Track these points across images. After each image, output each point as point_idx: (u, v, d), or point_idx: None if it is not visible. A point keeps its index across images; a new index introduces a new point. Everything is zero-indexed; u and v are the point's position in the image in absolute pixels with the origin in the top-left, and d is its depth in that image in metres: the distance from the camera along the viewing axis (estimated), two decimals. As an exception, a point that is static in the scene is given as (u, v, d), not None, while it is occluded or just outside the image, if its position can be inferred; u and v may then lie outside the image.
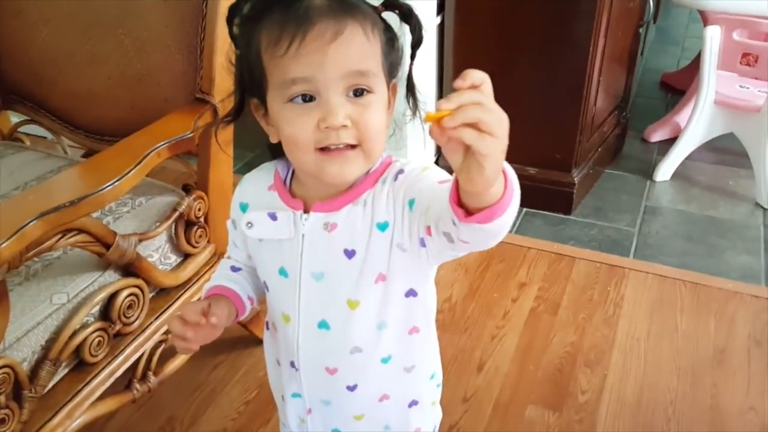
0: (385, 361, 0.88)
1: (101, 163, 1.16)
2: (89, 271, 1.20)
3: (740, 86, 2.36)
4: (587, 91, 2.11)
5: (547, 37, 2.07)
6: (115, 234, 1.16)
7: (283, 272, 0.85)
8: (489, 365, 1.70)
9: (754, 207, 2.34)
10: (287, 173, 0.85)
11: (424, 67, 2.16)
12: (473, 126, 0.57)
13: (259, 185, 0.87)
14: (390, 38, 0.77)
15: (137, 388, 1.32)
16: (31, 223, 0.95)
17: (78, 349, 1.16)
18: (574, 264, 2.05)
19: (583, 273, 2.02)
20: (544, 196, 2.27)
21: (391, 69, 0.78)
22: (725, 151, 2.59)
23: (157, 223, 1.30)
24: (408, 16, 0.78)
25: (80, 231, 1.08)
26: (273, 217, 0.83)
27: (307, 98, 0.73)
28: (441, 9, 2.17)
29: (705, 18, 2.36)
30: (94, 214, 1.13)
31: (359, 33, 0.72)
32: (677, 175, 2.50)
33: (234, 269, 0.95)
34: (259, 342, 1.69)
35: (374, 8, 0.77)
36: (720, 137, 2.47)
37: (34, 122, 1.62)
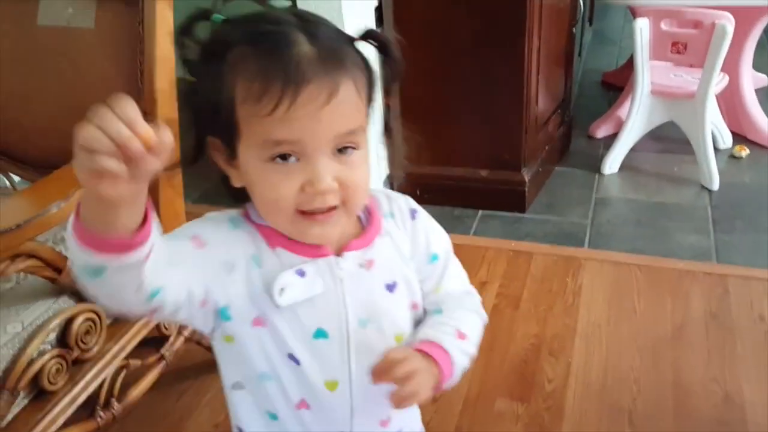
0: None
1: (45, 187, 1.17)
2: (43, 299, 1.18)
3: (674, 75, 2.45)
4: (527, 91, 2.18)
5: (483, 42, 2.13)
6: (65, 258, 1.16)
7: (321, 334, 0.74)
8: (456, 363, 1.72)
9: (700, 189, 2.42)
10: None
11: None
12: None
13: (247, 244, 0.73)
14: (369, 78, 0.71)
15: (101, 416, 1.30)
16: (-24, 249, 0.95)
17: (36, 378, 1.14)
18: (532, 259, 2.09)
19: (541, 267, 2.05)
20: (498, 197, 2.31)
21: (369, 104, 0.73)
22: (668, 139, 2.68)
23: (110, 248, 1.29)
24: (386, 49, 0.72)
25: (30, 256, 1.08)
26: (301, 273, 0.72)
27: (289, 158, 0.66)
28: (380, 22, 2.21)
29: (634, 12, 2.45)
30: (47, 242, 1.13)
31: (351, 89, 0.67)
32: (624, 166, 2.57)
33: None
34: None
35: (352, 40, 0.71)
36: (661, 126, 2.56)
37: (-21, 162, 1.61)
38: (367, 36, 0.72)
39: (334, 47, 0.67)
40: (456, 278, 0.86)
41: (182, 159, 0.72)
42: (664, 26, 2.32)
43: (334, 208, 0.69)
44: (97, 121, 0.51)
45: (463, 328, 0.80)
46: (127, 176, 0.52)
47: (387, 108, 0.77)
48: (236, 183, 0.72)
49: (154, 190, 1.34)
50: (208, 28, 0.70)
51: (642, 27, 2.31)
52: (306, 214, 0.68)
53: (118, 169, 0.51)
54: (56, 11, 1.42)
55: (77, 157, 0.51)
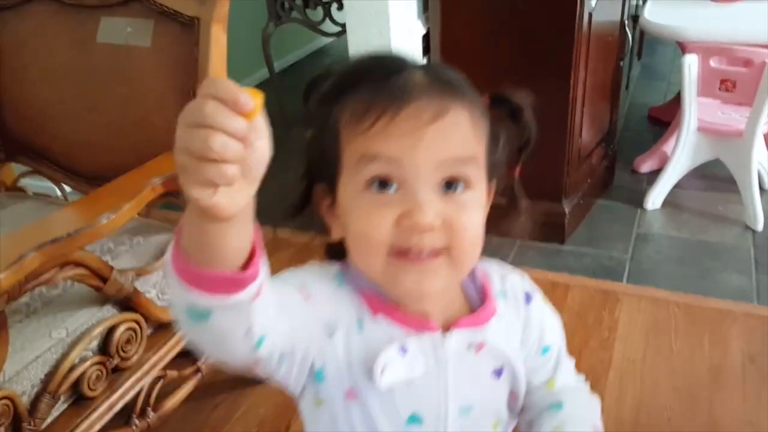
0: None
1: (98, 199, 1.21)
2: (88, 307, 1.23)
3: (722, 113, 2.42)
4: (571, 123, 2.18)
5: (529, 73, 2.14)
6: (111, 268, 1.20)
7: (415, 419, 0.67)
8: (487, 392, 1.71)
9: (744, 229, 2.37)
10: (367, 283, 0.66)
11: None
12: None
13: (350, 307, 0.66)
14: (495, 134, 0.66)
15: (136, 424, 1.34)
16: (29, 255, 0.99)
17: (77, 384, 1.19)
18: (569, 291, 2.08)
19: (578, 299, 2.04)
20: (537, 228, 2.30)
21: (492, 169, 0.66)
22: (713, 177, 2.64)
23: (154, 260, 1.34)
24: (517, 115, 0.68)
25: (78, 264, 1.12)
26: (403, 350, 0.65)
27: (388, 186, 0.59)
28: (426, 51, 2.25)
29: (683, 48, 2.44)
30: (95, 252, 1.18)
31: (465, 117, 0.61)
32: (667, 203, 2.54)
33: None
34: (257, 381, 1.70)
35: (478, 96, 0.66)
36: (707, 164, 2.52)
37: (37, 172, 1.68)
38: (496, 99, 0.67)
39: (450, 79, 0.63)
40: (570, 372, 0.82)
41: (289, 210, 0.68)
42: (713, 63, 2.30)
43: (436, 254, 0.60)
44: (210, 121, 0.43)
45: (596, 422, 0.79)
46: (242, 177, 0.45)
47: (514, 179, 0.71)
48: (335, 235, 0.66)
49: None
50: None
51: (691, 63, 2.29)
52: (402, 256, 0.60)
53: (236, 172, 0.44)
54: (116, 29, 1.49)
55: (187, 170, 0.45)
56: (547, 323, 0.77)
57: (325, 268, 0.69)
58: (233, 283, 0.51)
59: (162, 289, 1.37)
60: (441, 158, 0.59)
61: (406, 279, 0.61)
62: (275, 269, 0.59)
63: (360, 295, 0.67)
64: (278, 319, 0.59)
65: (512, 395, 0.75)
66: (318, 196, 0.67)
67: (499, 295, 0.72)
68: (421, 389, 0.66)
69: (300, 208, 0.68)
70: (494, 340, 0.69)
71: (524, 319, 0.74)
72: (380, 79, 0.60)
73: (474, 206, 0.62)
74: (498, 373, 0.71)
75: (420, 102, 0.58)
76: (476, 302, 0.71)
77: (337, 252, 0.68)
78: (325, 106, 0.63)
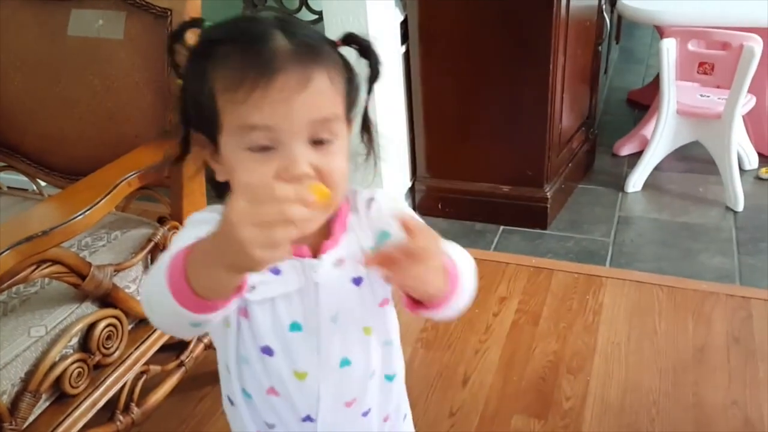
0: (389, 378, 0.88)
1: (72, 195, 1.19)
2: (66, 304, 1.21)
3: (700, 95, 2.43)
4: (552, 108, 2.17)
5: (508, 58, 2.14)
6: (89, 264, 1.18)
7: (296, 326, 0.79)
8: (473, 379, 1.71)
9: (725, 210, 2.39)
10: None
11: (393, 95, 2.22)
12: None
13: None
14: (349, 78, 0.75)
15: (120, 420, 1.33)
16: (4, 254, 0.97)
17: (58, 381, 1.17)
18: (553, 276, 2.08)
19: (562, 284, 2.04)
20: (519, 213, 2.31)
21: (349, 106, 0.76)
22: (693, 159, 2.65)
23: (133, 255, 1.32)
24: (367, 51, 0.76)
25: (55, 262, 1.10)
26: (275, 271, 0.76)
27: (266, 147, 0.69)
28: (405, 38, 2.23)
29: (661, 32, 2.44)
30: (72, 248, 1.16)
31: (325, 80, 0.69)
32: (648, 185, 2.55)
33: None
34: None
35: (333, 44, 0.75)
36: (687, 146, 2.53)
37: (10, 168, 1.65)
38: (347, 39, 0.76)
39: (309, 43, 0.70)
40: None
41: (171, 158, 0.78)
42: (691, 47, 2.30)
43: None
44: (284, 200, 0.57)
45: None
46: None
47: (368, 109, 0.80)
48: (220, 178, 0.75)
49: (179, 186, 1.38)
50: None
51: (669, 47, 2.29)
52: None
53: (295, 232, 0.57)
54: (87, 22, 1.46)
55: (253, 240, 0.56)
56: (387, 214, 0.79)
57: (204, 216, 0.77)
58: (223, 305, 0.66)
59: (141, 284, 1.35)
60: (308, 119, 0.68)
61: None
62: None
63: None
64: None
65: (384, 301, 0.83)
66: (198, 144, 0.75)
67: (352, 210, 0.80)
68: (296, 302, 0.77)
69: (183, 154, 0.77)
70: (350, 253, 0.78)
71: (369, 223, 0.80)
72: (247, 47, 0.68)
73: (339, 153, 0.72)
74: (357, 281, 0.80)
75: (286, 72, 0.66)
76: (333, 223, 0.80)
77: (220, 185, 0.77)
78: (198, 63, 0.71)
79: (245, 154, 0.69)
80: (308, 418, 0.84)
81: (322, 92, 0.69)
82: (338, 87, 0.72)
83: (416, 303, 0.74)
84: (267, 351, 0.79)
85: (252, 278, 0.70)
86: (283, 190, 0.57)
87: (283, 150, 0.68)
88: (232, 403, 0.86)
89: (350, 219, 0.80)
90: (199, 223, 0.74)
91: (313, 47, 0.70)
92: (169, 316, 0.67)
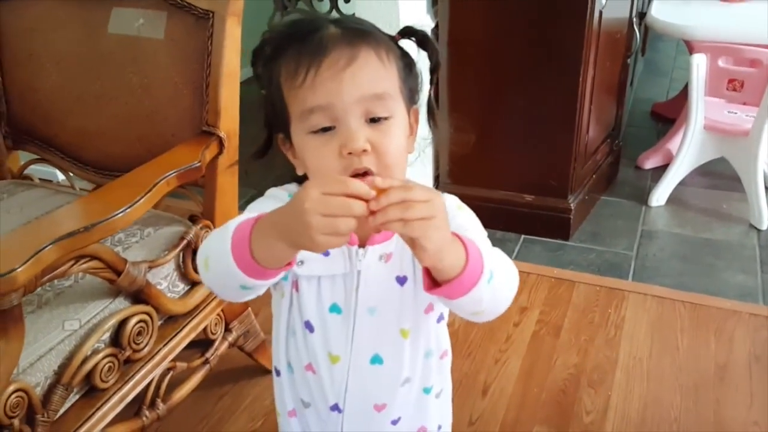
0: (427, 391, 0.88)
1: (112, 192, 1.20)
2: (100, 299, 1.22)
3: (728, 111, 2.42)
4: (579, 119, 2.17)
5: (538, 68, 2.14)
6: (125, 261, 1.19)
7: (335, 308, 0.82)
8: (494, 388, 1.72)
9: (748, 228, 2.38)
10: None
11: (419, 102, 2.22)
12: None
13: None
14: (407, 64, 0.78)
15: (146, 415, 1.34)
16: (46, 248, 0.98)
17: (89, 375, 1.18)
18: (574, 288, 2.08)
19: (583, 296, 2.04)
20: (542, 222, 2.31)
21: (411, 94, 0.79)
22: (718, 175, 2.64)
23: (166, 252, 1.33)
24: (424, 42, 0.80)
25: (92, 257, 1.11)
26: (325, 253, 0.79)
27: (327, 128, 0.73)
28: (435, 42, 2.23)
29: (690, 47, 2.43)
30: (105, 244, 1.17)
31: (373, 57, 0.73)
32: (672, 200, 2.54)
33: None
34: (264, 371, 1.71)
35: (391, 37, 0.78)
36: (712, 162, 2.53)
37: (44, 161, 1.67)
38: (405, 32, 0.80)
39: (357, 27, 0.75)
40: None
41: (254, 154, 0.84)
42: (721, 63, 2.30)
43: (370, 172, 0.72)
44: (345, 189, 0.62)
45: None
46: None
47: (432, 96, 0.84)
48: (299, 171, 0.81)
49: (213, 186, 1.39)
50: None
51: (699, 62, 2.29)
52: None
53: (354, 224, 0.63)
54: (127, 20, 1.47)
55: (318, 226, 0.61)
56: (459, 224, 0.78)
57: (278, 191, 0.83)
58: (279, 272, 0.71)
59: (173, 281, 1.36)
60: (359, 94, 0.71)
61: None
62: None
63: None
64: None
65: (430, 306, 0.84)
66: (280, 143, 0.82)
67: None
68: (339, 285, 0.81)
69: (263, 153, 0.83)
70: (400, 251, 0.80)
71: None
72: (303, 39, 0.73)
73: (395, 131, 0.74)
74: (401, 280, 0.81)
75: (334, 52, 0.71)
76: None
77: (301, 180, 0.82)
78: (267, 68, 0.78)
79: (309, 137, 0.74)
80: (336, 408, 0.87)
81: (370, 68, 0.73)
82: (390, 67, 0.75)
83: (435, 283, 0.70)
84: (308, 326, 0.84)
85: (302, 253, 0.74)
86: (354, 187, 0.62)
87: (340, 127, 0.72)
88: (278, 374, 0.91)
89: None
90: (273, 199, 0.81)
91: (361, 30, 0.75)
92: (222, 274, 0.72)
